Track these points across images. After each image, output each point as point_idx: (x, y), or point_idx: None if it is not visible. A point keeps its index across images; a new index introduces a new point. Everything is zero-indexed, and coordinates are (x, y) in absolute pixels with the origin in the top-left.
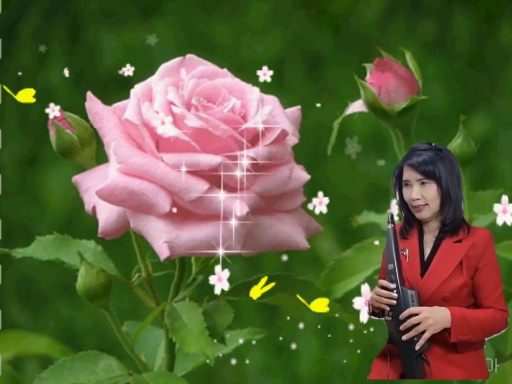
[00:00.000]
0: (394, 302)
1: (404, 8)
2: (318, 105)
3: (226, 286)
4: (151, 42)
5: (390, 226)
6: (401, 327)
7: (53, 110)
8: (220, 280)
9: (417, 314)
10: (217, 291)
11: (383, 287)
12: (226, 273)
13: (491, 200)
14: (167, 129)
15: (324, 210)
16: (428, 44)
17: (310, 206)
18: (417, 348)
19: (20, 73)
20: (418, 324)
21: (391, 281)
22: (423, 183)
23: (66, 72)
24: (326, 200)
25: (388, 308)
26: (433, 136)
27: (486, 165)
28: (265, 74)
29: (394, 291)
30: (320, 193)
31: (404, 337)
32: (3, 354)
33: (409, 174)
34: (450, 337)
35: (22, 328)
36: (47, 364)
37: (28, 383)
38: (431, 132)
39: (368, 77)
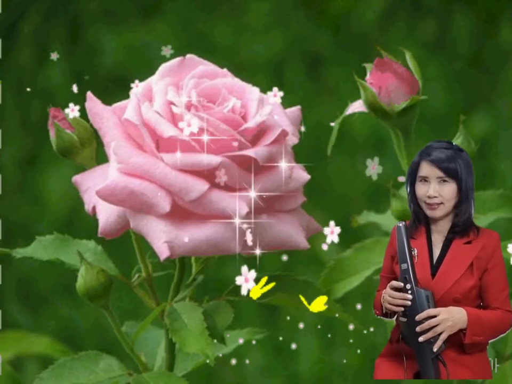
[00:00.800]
0: (409, 303)
1: (404, 8)
2: (332, 124)
3: (252, 286)
4: (167, 53)
5: (401, 224)
6: (418, 329)
7: (72, 110)
8: (247, 281)
9: (434, 316)
10: (243, 292)
11: (395, 289)
12: (252, 274)
13: (491, 200)
14: (164, 129)
15: (336, 239)
16: (428, 44)
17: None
18: (435, 349)
19: (28, 89)
20: (436, 325)
21: (405, 281)
22: (442, 181)
23: (75, 88)
24: (338, 230)
25: (402, 309)
26: (433, 136)
27: (486, 165)
28: (275, 95)
29: (409, 291)
30: (332, 223)
31: (421, 339)
32: (3, 354)
33: (429, 170)
34: (465, 338)
35: (22, 328)
36: (47, 363)
37: (28, 383)
38: (431, 132)
39: (368, 77)
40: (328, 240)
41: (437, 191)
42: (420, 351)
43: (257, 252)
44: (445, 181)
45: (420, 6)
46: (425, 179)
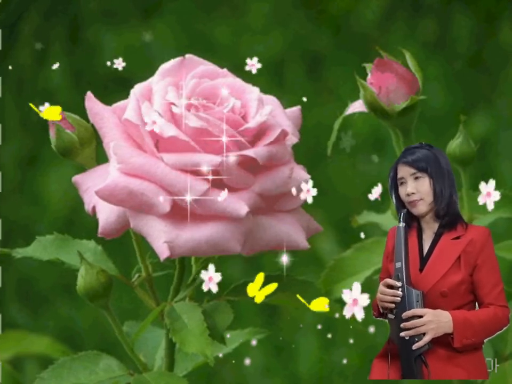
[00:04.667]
0: (399, 299)
1: (404, 8)
2: (318, 105)
3: (218, 278)
4: (146, 39)
5: (401, 225)
6: (402, 325)
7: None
8: (211, 280)
9: (420, 316)
10: (214, 289)
11: (388, 286)
12: (211, 269)
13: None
14: (164, 129)
15: (312, 197)
16: (428, 44)
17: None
18: (414, 348)
19: (10, 67)
20: (420, 326)
21: (397, 279)
22: (416, 178)
23: (55, 66)
24: (312, 190)
25: (393, 306)
26: (433, 136)
27: (486, 165)
28: (252, 65)
29: (400, 289)
30: (304, 184)
31: (403, 334)
32: (3, 354)
33: (403, 171)
34: (453, 342)
35: (22, 328)
36: (47, 363)
37: (28, 383)
38: (431, 132)
39: (369, 77)
40: (310, 200)
41: (414, 188)
42: (403, 349)
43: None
44: (418, 176)
45: (420, 6)
46: (402, 180)
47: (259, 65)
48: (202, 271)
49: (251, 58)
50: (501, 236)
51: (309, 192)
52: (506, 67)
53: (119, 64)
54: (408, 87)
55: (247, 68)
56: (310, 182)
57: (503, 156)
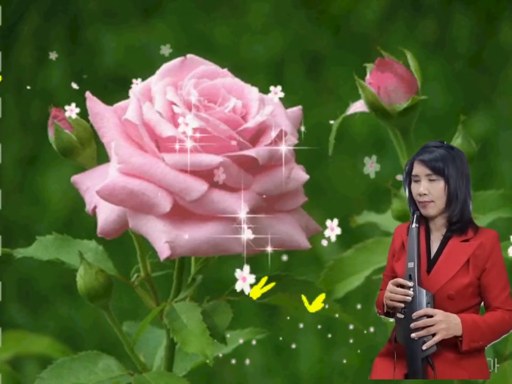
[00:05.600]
0: (409, 298)
1: (404, 8)
2: (332, 122)
3: (252, 280)
4: (165, 52)
5: (414, 226)
6: (413, 325)
7: (71, 111)
8: (245, 280)
9: (431, 316)
10: (246, 290)
11: (399, 285)
12: (247, 269)
13: (491, 200)
14: (164, 128)
15: (339, 231)
16: (428, 44)
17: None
18: (424, 347)
19: (28, 87)
20: (431, 325)
21: (409, 279)
22: (431, 179)
23: (74, 85)
24: (336, 223)
25: (402, 305)
26: (433, 136)
27: (486, 165)
28: (275, 93)
29: (411, 289)
30: (328, 221)
31: (413, 335)
32: (3, 354)
33: (419, 169)
34: (462, 346)
35: (22, 328)
36: (47, 364)
37: (28, 383)
38: (431, 132)
39: (368, 76)
40: (333, 238)
41: (427, 189)
42: (411, 349)
43: (269, 249)
44: (433, 178)
45: (420, 6)
46: (416, 178)
47: (281, 94)
48: (237, 270)
49: (275, 86)
50: (501, 236)
51: (333, 230)
52: (506, 67)
53: (137, 83)
54: (408, 87)
55: (269, 94)
56: (336, 220)
57: (503, 156)
